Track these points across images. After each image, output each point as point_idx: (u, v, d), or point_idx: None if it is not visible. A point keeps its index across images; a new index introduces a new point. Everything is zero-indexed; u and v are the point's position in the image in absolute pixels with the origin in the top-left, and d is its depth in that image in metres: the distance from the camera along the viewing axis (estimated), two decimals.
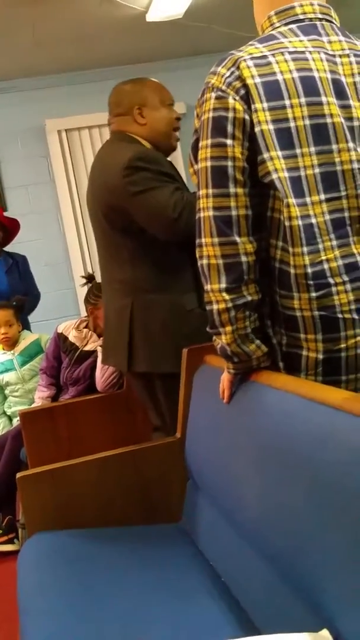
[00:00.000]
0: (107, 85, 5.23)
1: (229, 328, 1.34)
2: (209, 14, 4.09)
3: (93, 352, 2.85)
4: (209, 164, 1.30)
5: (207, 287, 1.34)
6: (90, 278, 2.84)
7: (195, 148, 1.38)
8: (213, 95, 1.30)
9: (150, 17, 3.97)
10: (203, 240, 1.32)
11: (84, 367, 2.86)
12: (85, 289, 2.87)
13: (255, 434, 1.33)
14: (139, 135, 2.11)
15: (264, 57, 1.31)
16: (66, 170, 4.82)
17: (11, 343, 3.24)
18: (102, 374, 2.68)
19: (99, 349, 2.72)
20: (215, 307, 1.33)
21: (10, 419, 3.20)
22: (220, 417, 1.59)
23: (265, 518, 1.26)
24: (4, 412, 3.24)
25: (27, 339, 3.29)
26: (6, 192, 4.79)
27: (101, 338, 2.82)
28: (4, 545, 2.75)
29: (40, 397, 2.94)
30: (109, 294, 2.17)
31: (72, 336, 2.94)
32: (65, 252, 4.87)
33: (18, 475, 1.75)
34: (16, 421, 3.05)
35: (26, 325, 3.81)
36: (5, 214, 4.37)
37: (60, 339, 2.96)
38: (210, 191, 1.30)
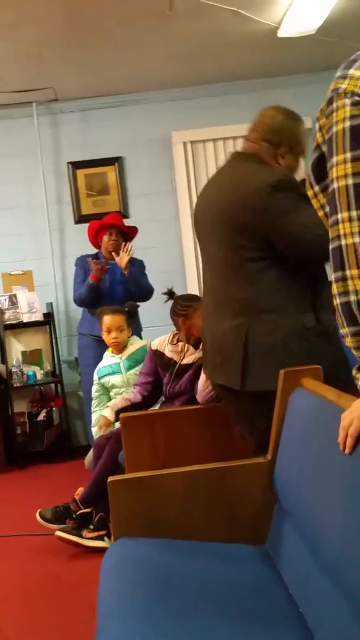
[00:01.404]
0: (234, 99, 5.27)
1: None
2: (342, 29, 4.02)
3: (192, 365, 2.84)
4: (350, 181, 1.13)
5: (359, 328, 1.15)
6: (172, 293, 2.92)
7: (318, 167, 1.25)
8: (347, 101, 1.14)
9: (282, 33, 3.96)
10: (348, 272, 1.13)
11: (184, 380, 2.85)
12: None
13: (348, 470, 1.29)
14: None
15: None
16: (188, 181, 4.91)
17: (120, 347, 3.35)
18: (204, 388, 2.70)
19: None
20: None
21: None
22: (313, 445, 1.57)
23: (346, 555, 1.23)
24: None
25: (135, 344, 3.39)
26: (129, 199, 4.95)
27: (198, 350, 2.83)
28: (94, 541, 2.84)
29: (127, 397, 3.00)
30: (221, 312, 2.14)
31: (168, 351, 2.92)
32: (180, 260, 4.95)
33: (109, 479, 1.80)
34: (119, 423, 3.15)
35: (138, 331, 3.93)
36: (126, 220, 4.53)
37: (157, 356, 2.96)
38: (354, 213, 1.12)
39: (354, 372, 1.21)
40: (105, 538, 2.83)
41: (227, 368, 2.09)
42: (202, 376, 2.71)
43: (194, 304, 2.87)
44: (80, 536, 2.86)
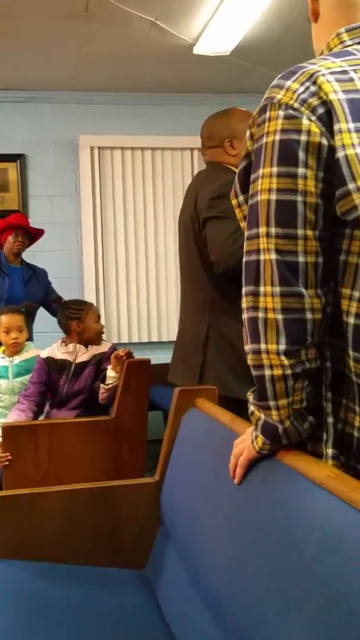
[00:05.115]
0: (146, 109, 5.21)
1: (283, 401, 1.08)
2: (255, 54, 4.09)
3: (89, 362, 2.91)
4: (272, 197, 1.06)
5: (258, 346, 1.07)
6: (59, 299, 3.11)
7: (244, 176, 1.18)
8: (281, 113, 1.06)
9: (198, 50, 3.97)
10: (261, 288, 1.07)
11: (83, 377, 2.90)
12: None
13: (238, 498, 1.25)
14: (231, 165, 2.21)
15: (345, 72, 1.08)
16: (93, 187, 4.81)
17: (18, 350, 3.16)
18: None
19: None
20: (267, 372, 1.07)
21: None
22: (202, 468, 1.52)
23: (229, 588, 1.18)
24: None
25: (30, 352, 3.19)
26: (30, 199, 4.78)
27: (90, 346, 2.94)
28: None
29: (13, 419, 2.83)
30: (187, 313, 2.28)
31: (60, 354, 2.94)
32: (79, 266, 4.83)
33: None
34: None
35: (30, 338, 3.76)
36: None
37: (48, 363, 2.95)
38: (272, 230, 1.06)
39: (248, 393, 1.17)
40: None
41: (186, 369, 2.22)
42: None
43: (86, 307, 2.98)
44: None
